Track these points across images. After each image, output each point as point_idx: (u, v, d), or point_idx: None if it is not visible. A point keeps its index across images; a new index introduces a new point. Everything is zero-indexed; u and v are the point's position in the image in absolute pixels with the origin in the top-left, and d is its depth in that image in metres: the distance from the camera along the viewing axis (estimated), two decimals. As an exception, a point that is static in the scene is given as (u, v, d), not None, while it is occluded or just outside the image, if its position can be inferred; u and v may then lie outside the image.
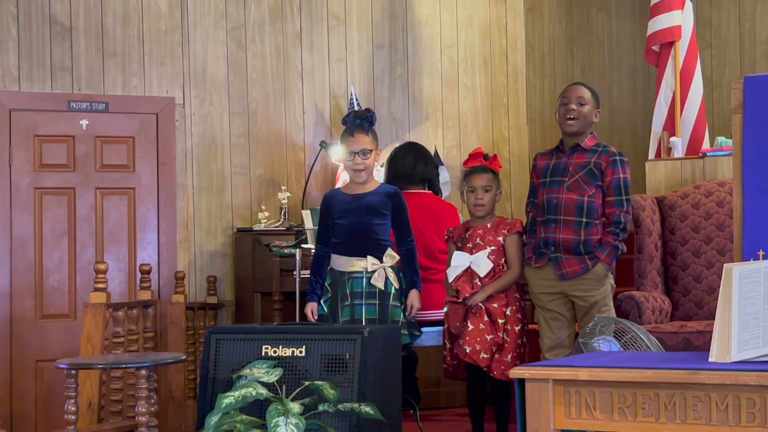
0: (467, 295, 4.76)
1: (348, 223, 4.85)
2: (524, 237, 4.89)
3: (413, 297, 4.86)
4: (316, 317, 4.88)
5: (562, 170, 4.75)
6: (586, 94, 4.77)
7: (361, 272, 4.83)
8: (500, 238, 4.85)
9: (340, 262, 4.88)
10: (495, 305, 4.78)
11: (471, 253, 4.84)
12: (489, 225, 4.88)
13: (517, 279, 4.85)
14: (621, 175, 4.72)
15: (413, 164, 5.61)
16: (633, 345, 4.15)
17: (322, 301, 4.90)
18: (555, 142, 4.92)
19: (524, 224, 4.93)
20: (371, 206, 4.85)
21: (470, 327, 4.75)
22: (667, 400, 3.06)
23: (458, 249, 4.90)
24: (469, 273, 4.83)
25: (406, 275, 4.89)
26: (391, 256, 4.85)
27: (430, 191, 5.64)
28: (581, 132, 4.74)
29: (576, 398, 3.16)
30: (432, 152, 6.04)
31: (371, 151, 4.84)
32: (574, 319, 4.80)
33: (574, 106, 4.72)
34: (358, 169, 4.84)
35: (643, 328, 4.33)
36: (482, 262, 4.80)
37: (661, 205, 5.73)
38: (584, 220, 4.69)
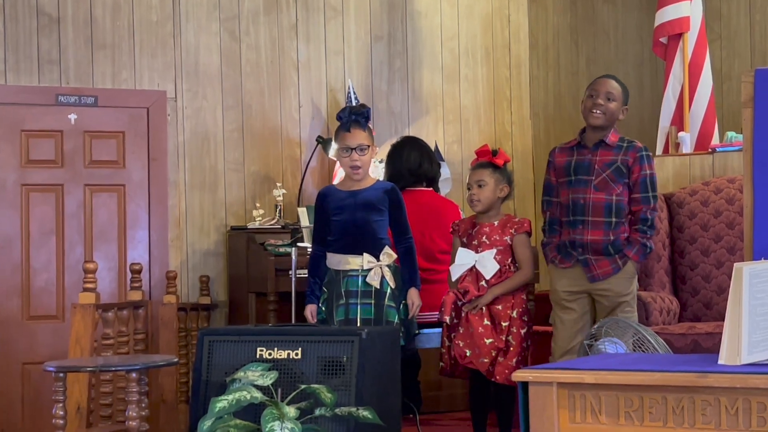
0: (473, 297, 4.76)
1: (343, 219, 4.86)
2: (544, 237, 4.89)
3: (413, 295, 4.86)
4: (315, 320, 4.88)
5: (587, 168, 4.73)
6: (616, 89, 4.74)
7: (357, 270, 4.83)
8: (507, 238, 4.84)
9: (336, 260, 4.88)
10: (499, 307, 4.78)
11: (476, 252, 4.83)
12: (496, 223, 4.88)
13: (527, 281, 4.85)
14: (648, 171, 4.72)
15: (419, 163, 5.59)
16: (640, 347, 4.15)
17: (320, 304, 4.90)
18: (559, 137, 4.93)
19: (543, 224, 4.92)
20: (368, 202, 4.85)
21: (470, 328, 4.74)
22: (675, 404, 3.06)
23: (463, 245, 4.89)
24: (474, 273, 4.82)
25: (404, 273, 4.89)
26: (388, 255, 4.85)
27: (430, 188, 5.63)
28: (605, 127, 4.73)
29: (581, 402, 3.17)
30: (432, 148, 6.03)
31: (368, 147, 4.85)
32: (589, 323, 4.77)
33: (601, 101, 4.71)
34: (356, 165, 4.84)
35: (650, 329, 4.34)
36: (488, 263, 4.79)
37: (668, 203, 5.74)
38: (613, 220, 4.69)
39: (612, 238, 4.69)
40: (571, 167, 4.76)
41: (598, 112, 4.70)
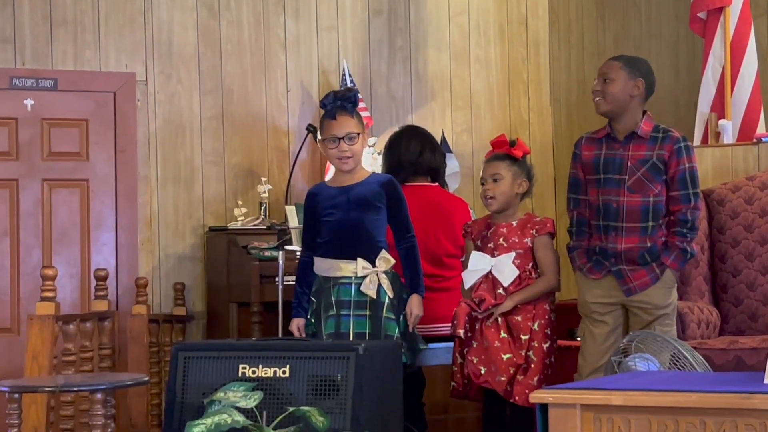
0: (490, 306, 4.76)
1: (334, 219, 4.86)
2: (570, 240, 4.88)
3: (414, 303, 4.85)
4: (303, 335, 4.88)
5: (619, 166, 4.71)
6: (613, 68, 4.74)
7: (350, 278, 4.83)
8: (527, 240, 4.84)
9: (325, 266, 4.88)
10: (518, 318, 4.77)
11: (492, 256, 4.83)
12: (514, 223, 4.88)
13: (550, 288, 4.84)
14: (687, 165, 4.70)
15: (419, 152, 5.58)
16: (675, 364, 4.15)
17: (309, 317, 4.90)
18: (583, 126, 4.94)
19: (569, 225, 4.91)
20: (361, 198, 4.85)
21: (485, 342, 4.74)
22: (715, 428, 3.06)
23: (477, 248, 4.89)
24: (490, 279, 4.82)
25: (405, 277, 4.89)
26: (385, 260, 4.85)
27: (436, 183, 5.63)
28: (615, 112, 4.72)
29: (608, 426, 3.17)
30: (438, 138, 6.03)
31: (358, 135, 4.85)
32: (621, 336, 4.75)
33: (598, 86, 4.73)
34: (345, 156, 4.85)
35: (686, 344, 4.34)
36: (506, 269, 4.79)
37: (708, 200, 5.74)
38: (650, 224, 4.68)
39: (648, 244, 4.68)
40: (600, 163, 4.75)
41: (597, 98, 4.73)
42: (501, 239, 4.84)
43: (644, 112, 4.76)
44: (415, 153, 5.57)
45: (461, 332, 4.78)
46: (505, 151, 4.91)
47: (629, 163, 4.69)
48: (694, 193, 4.69)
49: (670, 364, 4.18)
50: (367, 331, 4.78)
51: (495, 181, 4.87)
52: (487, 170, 4.90)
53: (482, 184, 4.91)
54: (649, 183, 4.67)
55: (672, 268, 4.69)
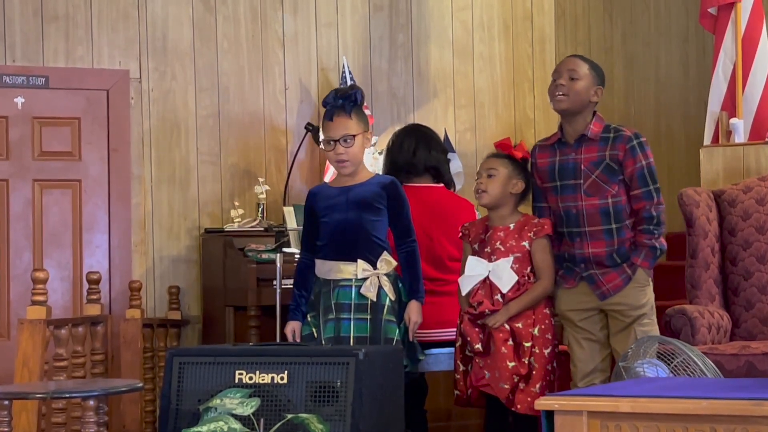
0: (486, 310, 4.76)
1: (333, 220, 4.85)
2: None
3: (413, 310, 4.84)
4: (298, 339, 4.87)
5: (573, 170, 4.75)
6: (581, 67, 4.78)
7: (350, 280, 4.82)
8: (525, 243, 4.84)
9: (325, 268, 4.88)
10: (520, 325, 4.77)
11: (490, 260, 4.83)
12: (512, 226, 4.88)
13: (548, 292, 4.86)
14: (643, 162, 4.72)
15: (413, 150, 5.56)
16: (684, 370, 4.15)
17: (309, 319, 4.90)
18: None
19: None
20: (361, 199, 4.85)
21: (492, 346, 4.74)
22: (726, 436, 3.06)
23: (474, 252, 4.89)
24: (487, 284, 4.83)
25: (405, 282, 4.89)
26: (386, 262, 4.85)
27: (440, 184, 5.62)
28: (573, 110, 4.74)
29: (616, 434, 3.17)
30: (441, 137, 6.03)
31: (355, 136, 4.84)
32: (608, 338, 4.81)
33: (563, 81, 4.74)
34: (341, 159, 4.85)
35: (696, 349, 4.34)
36: (504, 274, 4.79)
37: (718, 201, 5.74)
38: (614, 226, 4.72)
39: (616, 246, 4.72)
40: (555, 170, 4.80)
41: (560, 94, 4.74)
42: (498, 243, 4.84)
43: (594, 113, 4.78)
44: (408, 152, 5.55)
45: (478, 346, 4.78)
46: (508, 153, 4.94)
47: (582, 167, 4.73)
48: (655, 189, 4.73)
49: (678, 369, 4.18)
50: (368, 334, 4.78)
51: (489, 176, 4.89)
52: (483, 165, 4.95)
53: (477, 178, 4.94)
54: (604, 185, 4.71)
55: (643, 267, 4.72)
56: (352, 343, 4.71)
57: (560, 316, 4.90)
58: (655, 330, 4.77)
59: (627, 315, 4.73)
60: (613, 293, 4.73)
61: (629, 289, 4.73)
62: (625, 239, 4.73)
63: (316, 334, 4.85)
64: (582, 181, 4.73)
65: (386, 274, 4.84)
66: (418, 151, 5.55)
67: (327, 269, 4.87)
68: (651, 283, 4.80)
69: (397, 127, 6.02)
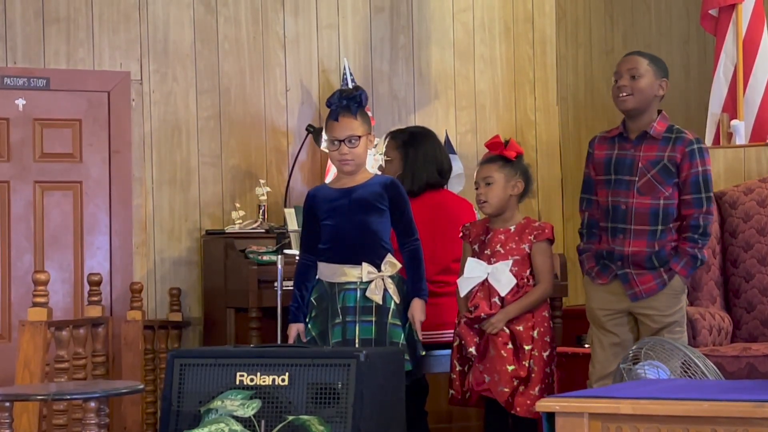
0: (482, 314, 4.75)
1: (336, 223, 4.85)
2: (581, 241, 4.88)
3: (416, 308, 4.84)
4: (304, 340, 4.87)
5: (630, 166, 4.70)
6: (641, 64, 4.72)
7: (355, 283, 4.82)
8: (525, 246, 4.84)
9: (329, 272, 4.87)
10: (520, 328, 4.77)
11: (489, 263, 4.83)
12: (512, 229, 4.87)
13: (546, 296, 4.85)
14: (699, 168, 4.68)
15: (444, 154, 5.63)
16: (686, 371, 4.15)
17: (308, 322, 4.90)
18: (591, 126, 4.93)
19: (580, 226, 4.90)
20: (363, 201, 4.85)
21: (491, 350, 4.74)
22: (727, 438, 3.06)
23: (474, 253, 4.89)
24: (486, 287, 4.82)
25: (408, 281, 4.89)
26: (391, 264, 4.85)
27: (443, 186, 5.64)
28: (640, 109, 4.70)
29: (617, 436, 3.17)
30: (442, 139, 6.03)
31: (360, 137, 4.85)
32: (632, 343, 4.74)
33: (625, 82, 4.70)
34: (345, 159, 4.85)
35: (697, 351, 4.34)
36: (503, 277, 4.79)
37: (719, 202, 5.74)
38: (659, 227, 4.67)
39: (657, 248, 4.67)
40: (611, 163, 4.74)
41: (624, 94, 4.70)
42: (498, 246, 4.84)
43: (659, 112, 4.76)
44: (444, 155, 5.62)
45: (472, 350, 4.78)
46: (498, 152, 4.91)
47: (640, 164, 4.68)
48: (707, 197, 4.68)
49: (681, 371, 4.18)
50: (373, 337, 4.77)
51: (488, 184, 4.87)
52: (479, 174, 4.92)
53: (476, 188, 4.92)
54: (659, 185, 4.66)
55: (681, 275, 4.68)
56: (357, 346, 4.71)
57: (588, 315, 4.85)
58: (684, 339, 4.73)
59: (657, 321, 4.68)
60: (645, 296, 4.68)
61: (662, 295, 4.68)
62: (666, 242, 4.68)
63: (317, 341, 4.85)
64: (636, 179, 4.69)
65: (391, 277, 4.84)
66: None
67: (331, 273, 4.87)
68: (686, 292, 4.77)
69: (397, 128, 6.01)
